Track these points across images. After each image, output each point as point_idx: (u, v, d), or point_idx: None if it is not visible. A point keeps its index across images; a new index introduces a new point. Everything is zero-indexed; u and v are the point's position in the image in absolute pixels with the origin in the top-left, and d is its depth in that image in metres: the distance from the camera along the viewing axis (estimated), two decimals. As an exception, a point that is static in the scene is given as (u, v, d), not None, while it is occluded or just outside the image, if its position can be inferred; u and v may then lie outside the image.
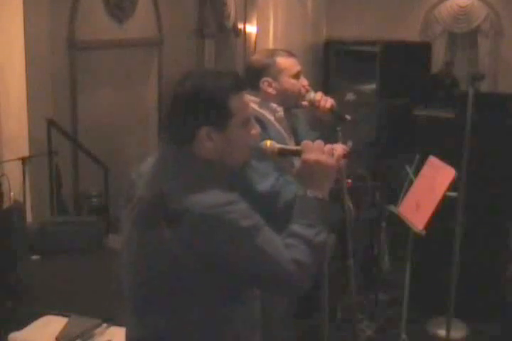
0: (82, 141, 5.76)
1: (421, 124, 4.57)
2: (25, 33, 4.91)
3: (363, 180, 4.72)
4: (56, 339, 3.05)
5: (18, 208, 4.49)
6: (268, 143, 1.84)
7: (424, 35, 9.03)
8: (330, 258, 3.05)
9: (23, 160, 4.78)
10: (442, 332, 3.82)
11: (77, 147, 5.73)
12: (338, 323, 3.84)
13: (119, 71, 6.42)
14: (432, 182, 3.38)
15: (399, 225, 3.59)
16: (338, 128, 2.71)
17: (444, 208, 3.26)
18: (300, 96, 2.69)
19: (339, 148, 1.79)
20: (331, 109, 2.70)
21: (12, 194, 4.59)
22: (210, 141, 1.67)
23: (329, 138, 2.02)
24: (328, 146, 1.77)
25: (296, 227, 1.71)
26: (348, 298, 3.60)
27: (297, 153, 1.80)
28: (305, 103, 2.71)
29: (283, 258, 1.64)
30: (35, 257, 4.54)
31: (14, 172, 4.76)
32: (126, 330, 1.84)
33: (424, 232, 3.24)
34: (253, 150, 1.78)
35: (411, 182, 3.54)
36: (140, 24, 6.65)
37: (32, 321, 3.25)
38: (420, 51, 8.47)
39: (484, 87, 8.04)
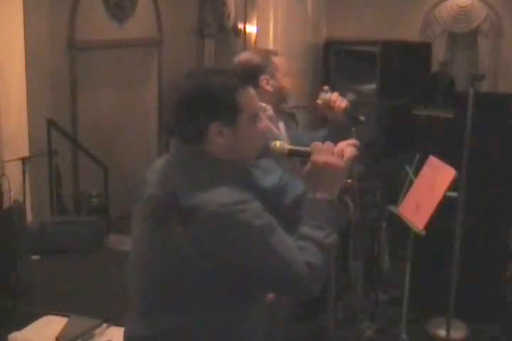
0: (82, 141, 5.76)
1: (421, 124, 4.57)
2: (25, 33, 4.91)
3: (363, 179, 4.72)
4: (56, 339, 3.05)
5: (18, 208, 4.49)
6: (278, 143, 1.83)
7: (424, 35, 9.03)
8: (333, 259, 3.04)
9: (23, 160, 4.78)
10: (442, 332, 3.82)
11: (77, 147, 5.73)
12: (339, 323, 3.84)
13: (119, 71, 6.42)
14: (432, 182, 3.38)
15: (399, 225, 3.58)
16: (353, 129, 2.73)
17: (444, 208, 3.26)
18: (289, 93, 2.74)
19: (349, 150, 1.77)
20: (346, 110, 2.72)
21: (12, 194, 4.59)
22: (222, 137, 1.67)
23: (339, 138, 2.01)
24: (338, 148, 1.76)
25: (306, 229, 1.70)
26: (349, 299, 3.60)
27: (307, 155, 1.79)
28: (319, 102, 2.73)
29: (295, 260, 1.63)
30: (35, 257, 4.54)
31: (14, 172, 4.76)
32: (126, 329, 1.84)
33: (424, 232, 3.24)
34: (263, 148, 1.77)
35: (411, 182, 3.54)
36: (140, 24, 6.65)
37: (32, 321, 3.25)
38: (420, 51, 8.46)
39: (484, 87, 8.04)
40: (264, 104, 2.66)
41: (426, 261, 4.12)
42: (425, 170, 3.52)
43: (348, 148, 1.77)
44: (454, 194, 3.36)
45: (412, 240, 3.52)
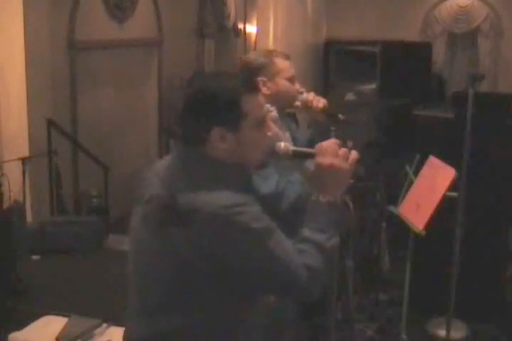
0: (82, 141, 5.76)
1: (421, 124, 4.56)
2: (25, 33, 4.91)
3: (363, 180, 4.71)
4: (56, 339, 3.05)
5: (18, 208, 4.49)
6: (282, 145, 1.82)
7: (424, 35, 9.02)
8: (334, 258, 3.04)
9: (23, 160, 4.78)
10: (442, 332, 3.82)
11: (77, 147, 5.73)
12: (338, 323, 3.84)
13: (119, 71, 6.42)
14: (432, 183, 3.38)
15: (399, 225, 3.58)
16: (332, 128, 2.72)
17: (444, 208, 3.26)
18: (293, 98, 2.71)
19: (354, 152, 1.76)
20: (324, 109, 2.71)
21: (12, 194, 4.59)
22: (224, 142, 1.66)
23: (320, 138, 2.01)
24: (343, 150, 1.75)
25: (307, 232, 1.69)
26: (346, 298, 3.60)
27: (311, 156, 1.79)
28: (298, 103, 2.71)
29: (294, 263, 1.63)
30: (35, 257, 4.55)
31: (14, 172, 4.76)
32: (126, 330, 1.84)
33: (424, 232, 3.24)
34: (269, 154, 1.77)
35: (411, 182, 3.54)
36: (140, 24, 6.65)
37: (32, 321, 3.25)
38: (420, 51, 8.46)
39: (484, 87, 8.04)
40: (268, 105, 2.66)
41: (426, 261, 4.12)
42: (425, 170, 3.52)
43: (352, 150, 1.77)
44: (454, 194, 3.36)
45: (412, 240, 3.52)
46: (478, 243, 4.12)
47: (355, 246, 3.01)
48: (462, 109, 3.56)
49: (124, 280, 1.84)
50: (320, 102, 2.69)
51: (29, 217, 5.03)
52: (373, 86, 8.04)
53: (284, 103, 2.70)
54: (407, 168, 3.57)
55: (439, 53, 8.95)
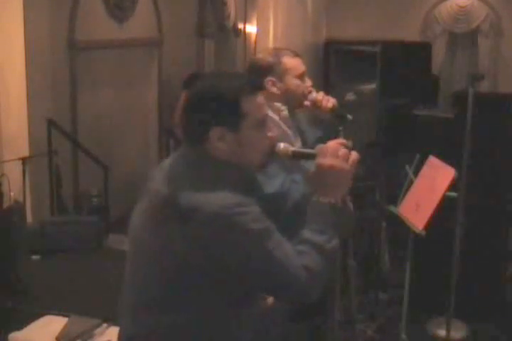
0: (82, 141, 5.76)
1: (421, 124, 4.56)
2: (25, 33, 4.91)
3: (362, 179, 4.72)
4: (56, 339, 3.05)
5: (18, 208, 4.49)
6: (282, 146, 1.81)
7: (424, 35, 9.02)
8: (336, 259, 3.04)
9: (23, 160, 4.78)
10: (442, 332, 3.83)
11: (77, 147, 5.73)
12: (339, 324, 3.84)
13: (119, 71, 6.42)
14: (432, 182, 3.38)
15: (399, 225, 3.59)
16: (340, 128, 2.72)
17: (444, 208, 3.26)
18: (304, 97, 2.69)
19: (354, 153, 1.75)
20: (333, 109, 2.70)
21: (12, 194, 4.58)
22: (223, 142, 1.67)
23: (331, 139, 2.00)
24: (344, 151, 1.74)
25: (307, 233, 1.69)
26: (347, 299, 3.60)
27: (311, 157, 1.78)
28: (307, 103, 2.70)
29: (292, 264, 1.62)
30: (35, 257, 4.54)
31: (14, 172, 4.76)
32: (121, 328, 1.84)
33: (424, 232, 3.24)
34: (270, 154, 1.76)
35: (411, 182, 3.54)
36: (140, 24, 6.65)
37: (32, 321, 3.25)
38: (420, 51, 8.46)
39: (484, 87, 8.04)
40: (279, 104, 2.65)
41: (426, 261, 4.12)
42: (425, 170, 3.52)
43: (353, 151, 1.76)
44: (454, 194, 3.36)
45: (412, 240, 3.52)
46: (478, 243, 4.12)
47: (355, 246, 3.00)
48: (462, 109, 3.57)
49: (123, 280, 1.84)
50: (329, 102, 2.69)
51: (29, 217, 5.03)
52: (373, 86, 8.04)
53: (294, 102, 2.69)
54: (407, 168, 3.57)
55: (439, 53, 8.95)
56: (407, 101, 7.29)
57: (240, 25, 8.09)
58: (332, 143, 1.77)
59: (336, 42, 8.78)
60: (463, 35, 9.03)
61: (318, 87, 2.76)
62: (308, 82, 2.71)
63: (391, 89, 7.82)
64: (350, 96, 7.37)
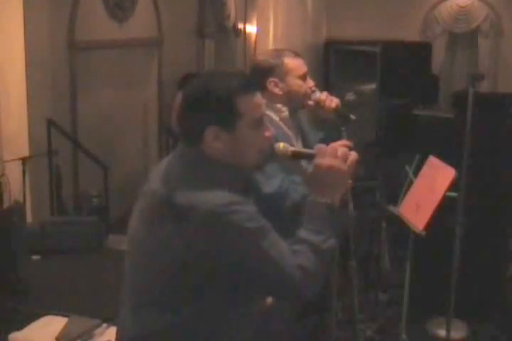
0: (82, 141, 5.76)
1: (421, 124, 4.56)
2: (25, 33, 4.91)
3: (362, 179, 4.71)
4: (56, 339, 3.05)
5: (18, 208, 4.48)
6: (281, 145, 1.81)
7: (424, 35, 9.03)
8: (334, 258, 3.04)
9: (23, 160, 4.78)
10: (442, 332, 3.83)
11: (77, 147, 5.73)
12: (339, 323, 3.84)
13: (119, 71, 6.42)
14: (432, 183, 3.38)
15: (399, 225, 3.58)
16: (343, 129, 2.72)
17: (444, 208, 3.26)
18: (306, 97, 2.69)
19: (353, 154, 1.75)
20: (336, 109, 2.71)
21: (12, 194, 4.59)
22: (219, 141, 1.67)
23: (334, 139, 2.00)
24: (343, 151, 1.74)
25: (303, 233, 1.69)
26: (348, 299, 3.60)
27: (310, 157, 1.78)
28: (311, 103, 2.71)
29: (287, 263, 1.62)
30: (35, 257, 4.54)
31: (14, 172, 4.76)
32: (118, 329, 1.84)
33: (424, 233, 3.24)
34: (267, 154, 1.76)
35: (411, 182, 3.54)
36: (140, 24, 6.65)
37: (32, 321, 3.25)
38: (420, 51, 8.47)
39: (484, 87, 8.04)
40: (279, 105, 2.65)
41: (426, 261, 4.12)
42: (425, 170, 3.52)
43: (351, 152, 1.76)
44: (454, 194, 3.36)
45: (412, 240, 3.52)
46: (478, 243, 4.12)
47: (355, 246, 3.00)
48: (462, 109, 3.57)
49: (123, 281, 1.84)
50: (333, 102, 2.69)
51: (29, 217, 5.03)
52: (373, 86, 8.05)
53: (297, 102, 2.69)
54: (407, 168, 3.57)
55: (439, 53, 8.95)
56: (407, 101, 7.29)
57: (240, 25, 8.09)
58: (334, 145, 1.77)
59: (336, 42, 8.79)
60: (463, 35, 9.03)
61: (318, 87, 2.76)
62: (311, 83, 2.72)
63: (391, 89, 7.82)
64: (350, 96, 7.37)
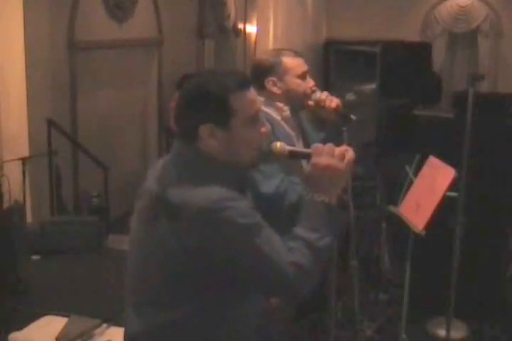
0: (82, 141, 5.76)
1: (421, 124, 4.56)
2: (25, 33, 4.91)
3: (362, 180, 4.72)
4: (56, 339, 3.05)
5: (18, 208, 4.48)
6: (278, 144, 1.81)
7: (424, 35, 9.02)
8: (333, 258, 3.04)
9: (23, 160, 4.78)
10: (442, 332, 3.83)
11: (77, 147, 5.73)
12: (339, 323, 3.84)
13: (119, 71, 6.42)
14: (432, 183, 3.37)
15: (399, 225, 3.58)
16: (344, 129, 2.72)
17: (444, 208, 3.26)
18: (305, 96, 2.69)
19: (350, 152, 1.75)
20: (336, 109, 2.70)
21: (12, 194, 4.59)
22: (213, 139, 1.68)
23: (335, 139, 2.00)
24: (339, 150, 1.74)
25: (299, 230, 1.69)
26: (348, 298, 3.60)
27: (307, 156, 1.78)
28: (311, 103, 2.71)
29: (282, 260, 1.62)
30: (35, 257, 4.54)
31: (14, 172, 4.76)
32: (125, 328, 1.85)
33: (424, 232, 3.24)
34: (262, 152, 1.77)
35: (411, 182, 3.54)
36: (140, 24, 6.65)
37: (32, 321, 3.25)
38: (420, 51, 8.47)
39: (484, 87, 8.04)
40: (281, 105, 2.65)
41: (426, 261, 4.12)
42: (425, 170, 3.52)
43: (348, 150, 1.76)
44: (454, 194, 3.36)
45: (412, 240, 3.52)
46: (478, 243, 4.12)
47: (356, 246, 3.01)
48: (462, 109, 3.57)
49: (124, 280, 1.84)
50: (333, 102, 2.69)
51: (29, 217, 5.03)
52: (373, 86, 8.05)
53: (297, 101, 2.69)
54: (407, 168, 3.57)
55: (439, 53, 8.95)
56: (407, 101, 7.30)
57: (240, 25, 8.09)
58: (331, 144, 1.77)
59: (336, 42, 8.79)
60: (463, 35, 9.03)
61: (318, 87, 2.76)
62: (311, 82, 2.72)
63: (391, 89, 7.83)
64: (350, 96, 7.36)
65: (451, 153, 3.50)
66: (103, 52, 6.12)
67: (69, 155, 5.73)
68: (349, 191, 2.62)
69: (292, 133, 2.67)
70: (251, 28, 8.09)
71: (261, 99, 2.59)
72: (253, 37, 8.00)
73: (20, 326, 3.20)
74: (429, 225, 3.23)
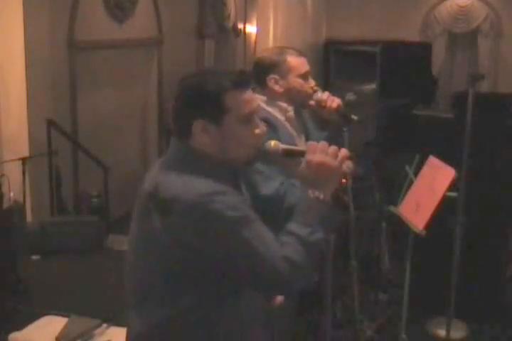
0: (82, 141, 5.76)
1: (421, 124, 4.56)
2: (25, 33, 4.91)
3: (362, 180, 4.72)
4: (56, 339, 3.05)
5: (18, 208, 4.49)
6: (272, 143, 1.82)
7: (424, 35, 9.03)
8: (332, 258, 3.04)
9: (23, 160, 4.78)
10: (442, 332, 3.82)
11: (77, 147, 5.73)
12: (339, 323, 3.84)
13: (119, 71, 6.42)
14: (432, 183, 3.37)
15: (399, 225, 3.58)
16: (345, 129, 2.72)
17: (444, 208, 3.26)
18: (307, 96, 2.69)
19: (343, 150, 1.77)
20: (338, 109, 2.70)
21: (12, 194, 4.59)
22: (206, 135, 1.70)
23: (336, 139, 2.01)
24: (333, 148, 1.76)
25: (292, 225, 1.70)
26: (348, 298, 3.60)
27: (302, 154, 1.79)
28: (312, 103, 2.71)
29: (272, 255, 1.62)
30: (35, 257, 4.55)
31: (14, 172, 4.76)
32: (127, 327, 1.85)
33: (424, 232, 3.24)
34: (257, 151, 1.77)
35: (411, 182, 3.53)
36: (140, 24, 6.65)
37: (32, 321, 3.26)
38: (420, 51, 8.48)
39: (484, 87, 8.04)
40: (285, 105, 2.65)
41: (426, 261, 4.12)
42: (425, 170, 3.51)
43: (342, 148, 1.77)
44: (454, 194, 3.36)
45: (412, 240, 3.52)
46: (478, 243, 4.11)
47: (355, 246, 3.01)
48: (462, 109, 3.56)
49: (124, 280, 1.85)
50: (334, 102, 2.69)
51: (29, 217, 5.03)
52: (373, 86, 8.05)
53: (298, 101, 2.69)
54: (407, 168, 3.57)
55: (439, 53, 8.95)
56: (407, 101, 7.29)
57: (240, 25, 8.09)
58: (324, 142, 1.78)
59: (336, 42, 8.79)
60: (463, 35, 9.03)
61: (319, 87, 2.76)
62: (312, 82, 2.71)
63: (391, 89, 7.83)
64: (350, 96, 7.36)
65: (451, 153, 3.50)
66: (103, 52, 6.12)
67: (69, 155, 5.73)
68: (349, 191, 2.62)
69: (295, 133, 2.67)
70: (251, 28, 8.09)
71: (263, 98, 2.59)
72: (253, 37, 8.01)
73: (20, 326, 3.20)
74: (429, 225, 3.23)
